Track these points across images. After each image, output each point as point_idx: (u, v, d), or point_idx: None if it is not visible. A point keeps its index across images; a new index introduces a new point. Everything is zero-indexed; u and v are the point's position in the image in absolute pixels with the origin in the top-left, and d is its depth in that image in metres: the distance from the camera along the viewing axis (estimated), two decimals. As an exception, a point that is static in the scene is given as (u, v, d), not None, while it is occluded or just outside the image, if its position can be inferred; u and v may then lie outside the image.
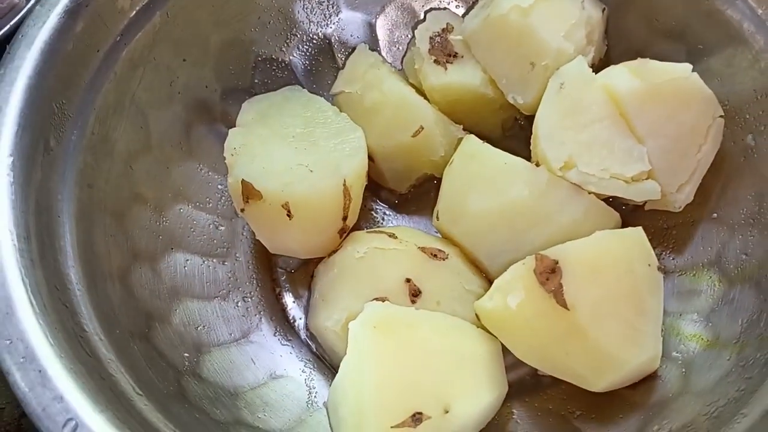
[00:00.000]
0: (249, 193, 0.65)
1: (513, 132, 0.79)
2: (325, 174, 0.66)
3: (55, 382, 0.47)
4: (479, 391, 0.60)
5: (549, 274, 0.57)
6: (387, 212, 0.79)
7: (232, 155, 0.67)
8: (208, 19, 0.73)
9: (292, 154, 0.68)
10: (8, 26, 0.78)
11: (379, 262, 0.66)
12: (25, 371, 0.48)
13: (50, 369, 0.48)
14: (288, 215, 0.65)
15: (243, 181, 0.64)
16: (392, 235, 0.68)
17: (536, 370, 0.64)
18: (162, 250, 0.68)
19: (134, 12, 0.67)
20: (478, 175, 0.67)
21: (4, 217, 0.53)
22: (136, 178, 0.68)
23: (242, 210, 0.67)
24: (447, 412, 0.57)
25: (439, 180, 0.74)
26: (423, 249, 0.66)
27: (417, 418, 0.56)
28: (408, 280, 0.65)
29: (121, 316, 0.59)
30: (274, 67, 0.79)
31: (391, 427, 0.55)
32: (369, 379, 0.57)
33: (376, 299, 0.64)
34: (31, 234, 0.55)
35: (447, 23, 0.77)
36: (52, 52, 0.61)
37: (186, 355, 0.63)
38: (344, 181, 0.66)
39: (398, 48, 0.83)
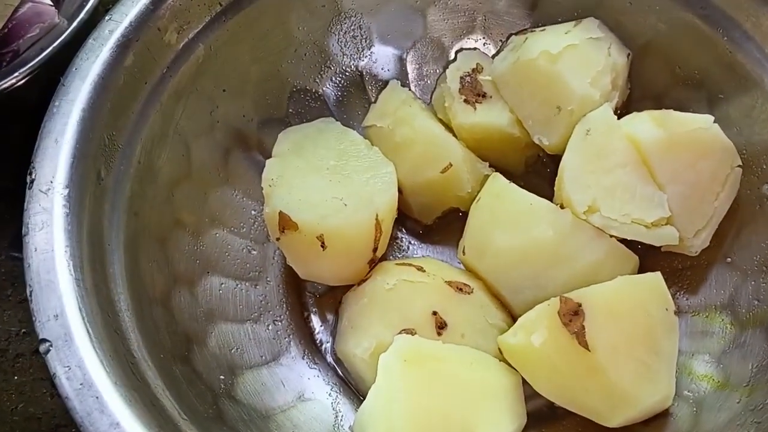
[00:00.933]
0: (285, 223, 0.67)
1: (535, 168, 0.81)
2: (358, 208, 0.68)
3: (112, 408, 0.49)
4: (501, 421, 0.62)
5: (572, 315, 0.60)
6: (412, 241, 0.81)
7: (270, 186, 0.69)
8: (248, 51, 0.75)
9: (326, 186, 0.70)
10: (51, 48, 0.79)
11: (407, 294, 0.68)
12: (83, 398, 0.50)
13: (106, 395, 0.50)
14: (322, 246, 0.67)
15: (280, 212, 0.67)
16: (420, 268, 0.70)
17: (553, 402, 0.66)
18: (199, 274, 0.70)
19: (180, 45, 0.69)
20: (504, 213, 0.69)
21: (62, 247, 0.55)
22: (177, 205, 0.70)
23: (277, 239, 0.69)
24: (471, 442, 0.59)
25: (463, 212, 0.76)
26: (449, 283, 0.68)
27: (444, 446, 0.58)
28: (435, 313, 0.67)
29: (165, 339, 0.61)
30: (308, 98, 0.82)
31: (420, 455, 0.58)
32: (399, 408, 0.59)
33: (404, 330, 0.66)
34: (84, 263, 0.57)
35: (477, 63, 0.79)
36: (104, 85, 0.63)
37: (222, 377, 0.65)
38: (376, 215, 0.68)
39: (426, 81, 0.85)
